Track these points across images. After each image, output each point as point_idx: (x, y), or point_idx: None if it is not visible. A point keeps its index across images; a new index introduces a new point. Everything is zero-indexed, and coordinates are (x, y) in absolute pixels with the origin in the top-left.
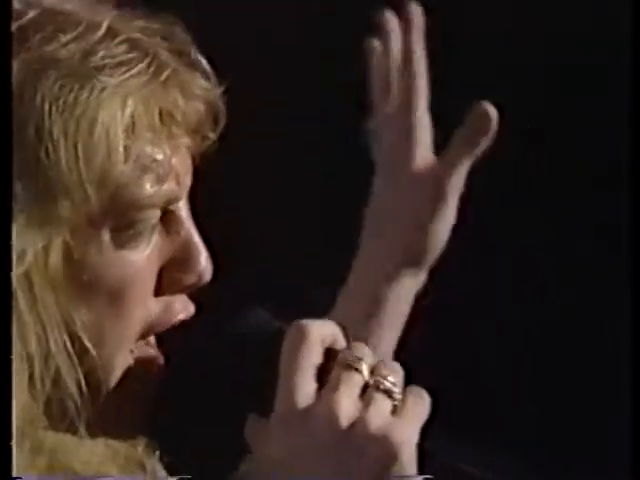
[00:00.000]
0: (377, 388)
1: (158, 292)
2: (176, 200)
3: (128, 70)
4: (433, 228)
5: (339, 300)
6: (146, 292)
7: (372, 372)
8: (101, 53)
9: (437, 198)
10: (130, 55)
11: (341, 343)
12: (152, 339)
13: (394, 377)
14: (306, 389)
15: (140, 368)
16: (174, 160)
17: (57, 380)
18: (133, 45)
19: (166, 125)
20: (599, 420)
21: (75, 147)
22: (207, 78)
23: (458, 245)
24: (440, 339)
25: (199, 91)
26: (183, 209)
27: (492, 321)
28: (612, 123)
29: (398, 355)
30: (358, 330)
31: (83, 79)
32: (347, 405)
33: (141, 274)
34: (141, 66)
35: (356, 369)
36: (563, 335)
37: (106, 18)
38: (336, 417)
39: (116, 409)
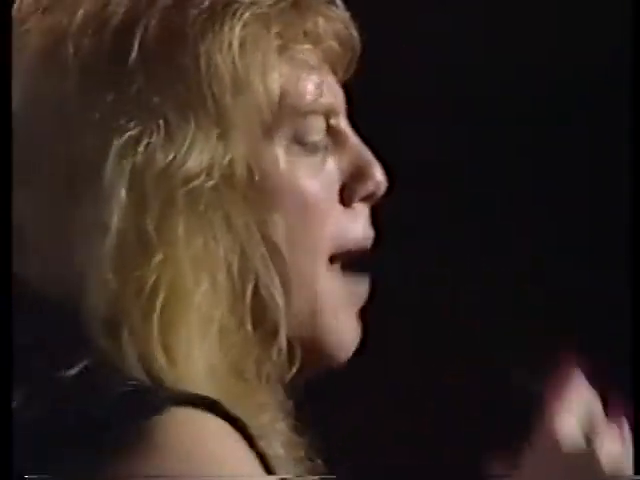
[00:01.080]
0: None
1: (342, 203)
2: (335, 112)
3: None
4: None
5: None
6: (331, 204)
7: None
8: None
9: None
10: None
11: (599, 406)
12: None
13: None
14: (570, 434)
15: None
16: (325, 73)
17: (257, 289)
18: None
19: (312, 42)
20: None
21: (233, 61)
22: (337, 5)
23: (458, 247)
24: None
25: (334, 14)
26: (344, 124)
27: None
28: (612, 125)
29: None
30: None
31: (224, 10)
32: (606, 464)
33: (323, 188)
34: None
35: (618, 435)
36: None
37: None
38: (595, 472)
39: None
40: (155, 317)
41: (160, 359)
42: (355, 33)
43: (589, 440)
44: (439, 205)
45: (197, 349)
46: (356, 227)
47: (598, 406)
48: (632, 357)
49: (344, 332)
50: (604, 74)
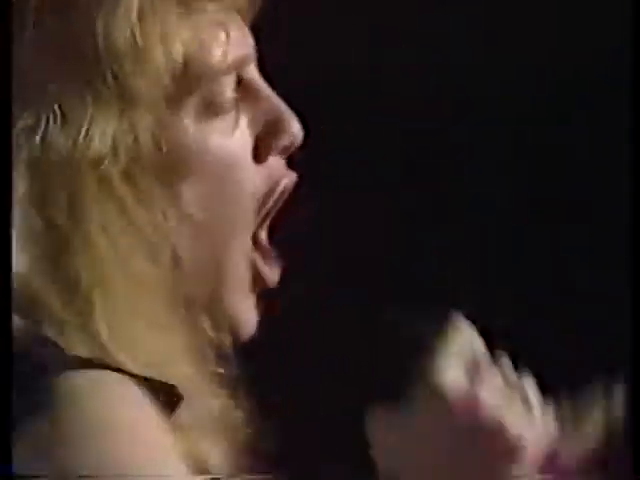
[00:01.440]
0: (517, 392)
1: (256, 160)
2: (245, 64)
3: None
4: None
5: None
6: (245, 163)
7: (511, 377)
8: None
9: None
10: None
11: (481, 346)
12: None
13: (532, 386)
14: (452, 382)
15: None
16: (233, 22)
17: (175, 259)
18: None
19: None
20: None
21: (131, 30)
22: None
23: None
24: None
25: None
26: (255, 75)
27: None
28: (613, 127)
29: None
30: None
31: None
32: (490, 405)
33: (236, 147)
34: None
35: (500, 372)
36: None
37: None
38: (478, 415)
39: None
40: (95, 315)
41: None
42: None
43: (472, 383)
44: (438, 204)
45: (130, 336)
46: (274, 178)
47: (481, 348)
48: (632, 357)
49: (246, 311)
50: (604, 74)
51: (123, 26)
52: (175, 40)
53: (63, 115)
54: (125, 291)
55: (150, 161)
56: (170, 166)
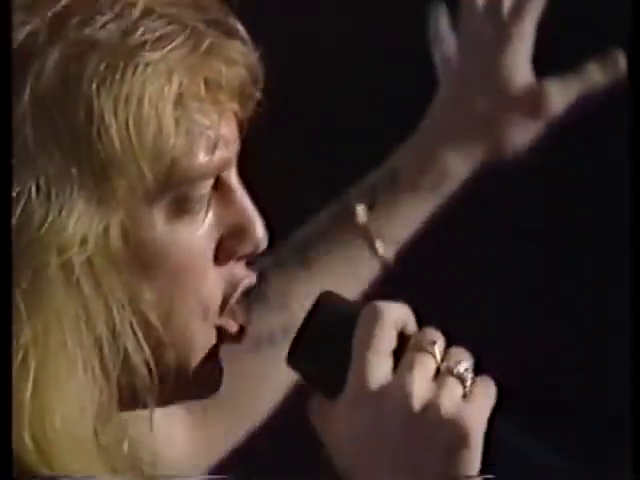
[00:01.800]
0: (450, 373)
1: (217, 262)
2: (227, 167)
3: (169, 43)
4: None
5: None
6: (206, 263)
7: (444, 357)
8: (140, 30)
9: (536, 109)
10: (169, 28)
11: (412, 326)
12: (237, 310)
13: (466, 363)
14: (380, 371)
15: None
16: (223, 126)
17: (126, 361)
18: (170, 19)
19: (211, 93)
20: (599, 419)
21: (126, 125)
22: (245, 44)
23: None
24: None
25: (239, 57)
26: (233, 177)
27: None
28: (613, 126)
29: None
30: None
31: (126, 57)
32: (421, 388)
33: (200, 246)
34: (181, 39)
35: (430, 353)
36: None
37: None
38: (409, 399)
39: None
40: (25, 400)
41: (29, 448)
42: (261, 75)
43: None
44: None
45: (67, 431)
46: (234, 280)
47: (412, 324)
48: (632, 357)
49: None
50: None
51: (120, 115)
52: (168, 142)
53: (47, 189)
54: (69, 379)
55: (114, 255)
56: (132, 263)
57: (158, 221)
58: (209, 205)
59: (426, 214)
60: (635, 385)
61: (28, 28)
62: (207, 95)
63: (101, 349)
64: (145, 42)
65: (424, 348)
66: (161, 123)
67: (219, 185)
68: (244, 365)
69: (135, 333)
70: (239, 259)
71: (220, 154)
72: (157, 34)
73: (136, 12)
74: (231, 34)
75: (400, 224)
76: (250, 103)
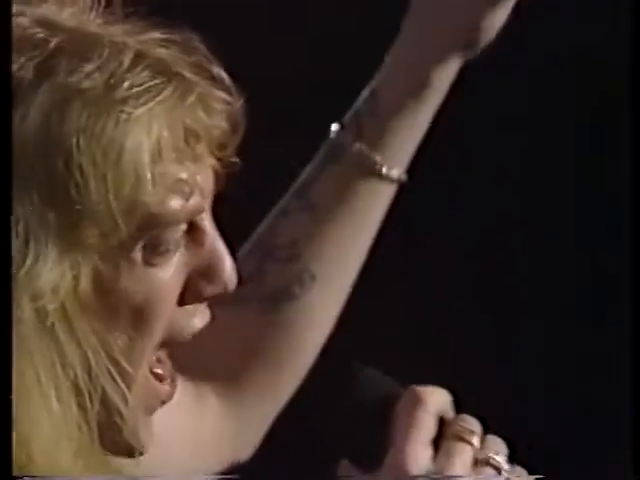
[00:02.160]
0: (487, 463)
1: (182, 302)
2: (200, 212)
3: (154, 97)
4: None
5: (374, 84)
6: (172, 304)
7: (481, 446)
8: (126, 84)
9: None
10: (155, 81)
11: (450, 411)
12: (164, 356)
13: (502, 454)
14: (420, 459)
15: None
16: (200, 176)
17: (104, 400)
18: (157, 69)
19: (190, 145)
20: (599, 421)
21: (104, 178)
22: (228, 92)
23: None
24: None
25: (221, 106)
26: (207, 219)
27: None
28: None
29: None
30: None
31: (109, 109)
32: (460, 478)
33: (168, 289)
34: (167, 92)
35: (469, 443)
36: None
37: (128, 39)
38: None
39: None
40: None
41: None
42: (242, 124)
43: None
44: (439, 211)
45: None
46: (190, 321)
47: (451, 409)
48: (632, 356)
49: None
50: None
51: (100, 167)
52: (143, 194)
53: (26, 238)
54: (45, 415)
55: (86, 303)
56: (105, 308)
57: (134, 266)
58: (179, 248)
59: (422, 124)
60: (635, 385)
61: (15, 68)
62: (186, 146)
63: (80, 392)
64: (129, 96)
65: (464, 438)
66: (139, 176)
67: (191, 228)
68: (263, 329)
69: (112, 376)
70: (206, 299)
71: (194, 201)
72: (143, 87)
73: (126, 60)
74: (214, 80)
75: (396, 142)
76: (228, 156)
